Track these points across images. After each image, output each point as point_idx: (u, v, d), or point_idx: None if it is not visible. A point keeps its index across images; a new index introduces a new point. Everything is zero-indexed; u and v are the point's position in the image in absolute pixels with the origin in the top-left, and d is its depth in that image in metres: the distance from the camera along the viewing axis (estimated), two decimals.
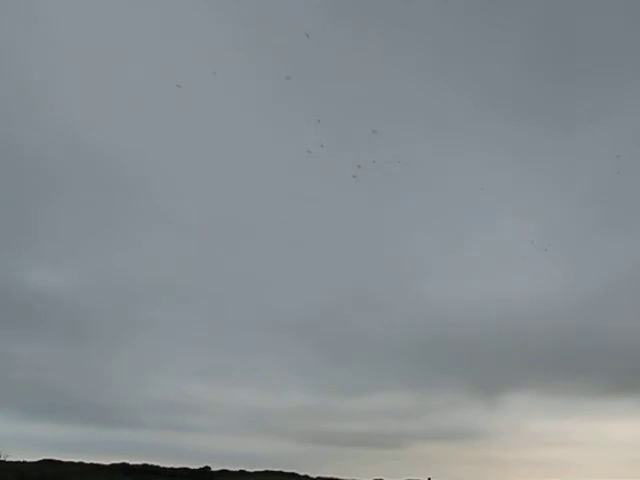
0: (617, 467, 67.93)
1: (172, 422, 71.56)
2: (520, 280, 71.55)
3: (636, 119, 63.78)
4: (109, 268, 72.24)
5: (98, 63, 57.95)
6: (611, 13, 59.39)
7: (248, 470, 60.23)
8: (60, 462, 53.52)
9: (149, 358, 71.66)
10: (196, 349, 70.47)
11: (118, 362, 70.45)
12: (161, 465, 56.68)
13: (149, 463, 56.30)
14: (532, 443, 73.82)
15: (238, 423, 74.15)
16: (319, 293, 74.19)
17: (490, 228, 73.51)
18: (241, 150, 64.72)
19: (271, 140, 63.09)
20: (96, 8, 54.81)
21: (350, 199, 64.68)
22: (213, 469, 58.69)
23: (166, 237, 71.28)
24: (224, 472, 58.92)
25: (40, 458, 53.65)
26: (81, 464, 54.06)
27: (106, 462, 55.18)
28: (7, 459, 50.36)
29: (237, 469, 60.10)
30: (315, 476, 62.40)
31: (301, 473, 61.98)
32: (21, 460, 52.41)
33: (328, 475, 62.82)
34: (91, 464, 54.36)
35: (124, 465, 54.71)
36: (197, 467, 58.23)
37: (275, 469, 61.37)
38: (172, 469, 56.64)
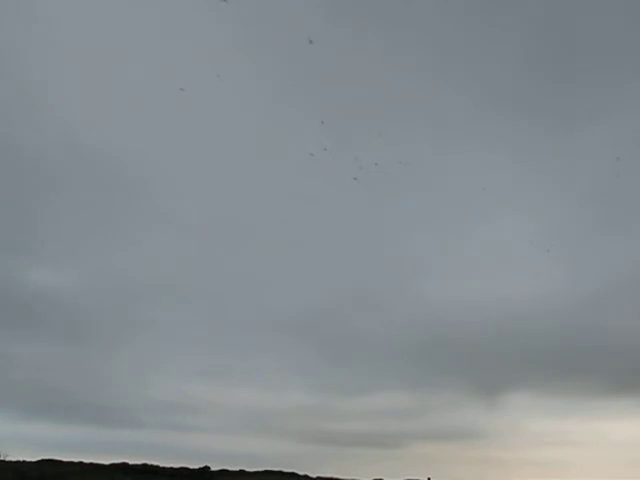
0: (617, 467, 68.13)
1: (172, 422, 71.76)
2: (520, 280, 71.71)
3: (636, 119, 63.80)
4: (109, 268, 72.38)
5: (98, 63, 58.01)
6: (611, 13, 59.37)
7: (248, 470, 60.41)
8: (60, 462, 53.65)
9: (149, 358, 71.83)
10: (196, 349, 70.67)
11: (118, 362, 70.62)
12: (161, 465, 56.91)
13: (149, 463, 56.50)
14: (532, 443, 74.06)
15: (238, 423, 74.32)
16: (319, 293, 74.32)
17: (490, 228, 73.58)
18: (241, 151, 64.83)
19: (272, 141, 63.13)
20: (96, 8, 54.84)
21: (350, 199, 64.75)
22: (213, 469, 58.81)
23: (166, 237, 71.39)
24: (224, 472, 59.04)
25: (40, 458, 53.93)
26: (81, 464, 54.19)
27: (106, 462, 55.49)
28: (7, 459, 50.57)
29: (237, 469, 60.27)
30: (315, 476, 62.54)
31: (301, 473, 62.17)
32: (21, 460, 52.62)
33: (328, 475, 62.99)
34: (91, 464, 54.49)
35: (124, 465, 54.82)
36: (197, 467, 58.42)
37: (275, 469, 61.53)
38: (172, 469, 56.76)
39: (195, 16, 56.05)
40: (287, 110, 60.96)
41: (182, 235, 71.76)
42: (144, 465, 55.47)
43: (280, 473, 61.13)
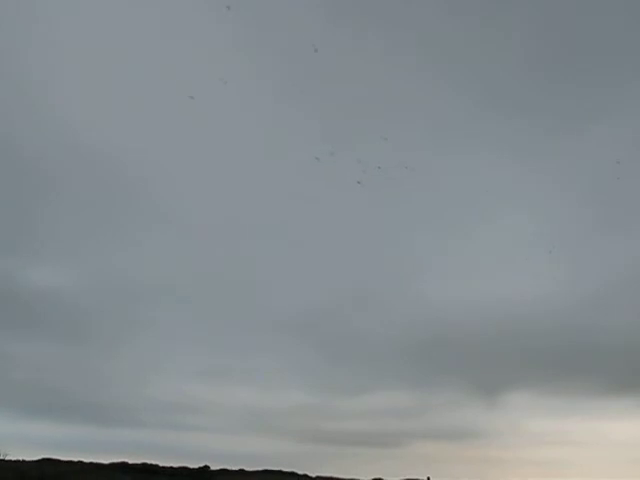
0: (617, 466, 68.17)
1: (172, 421, 71.79)
2: (520, 280, 71.70)
3: (636, 119, 63.77)
4: (109, 268, 72.45)
5: (98, 63, 58.04)
6: (611, 13, 59.33)
7: (247, 469, 60.52)
8: (60, 461, 53.76)
9: (149, 358, 71.88)
10: (196, 349, 70.69)
11: (118, 362, 70.64)
12: (160, 464, 57.03)
13: (149, 462, 56.62)
14: (532, 442, 74.14)
15: (238, 423, 74.37)
16: (319, 293, 74.38)
17: (490, 228, 73.59)
18: (242, 151, 64.84)
19: (272, 141, 63.21)
20: (96, 8, 54.88)
21: (350, 200, 64.78)
22: (212, 468, 58.95)
23: (166, 237, 71.45)
24: (223, 471, 59.15)
25: (40, 457, 54.04)
26: (81, 463, 54.32)
27: (106, 461, 55.62)
28: (7, 458, 50.61)
29: (236, 468, 60.38)
30: (314, 475, 62.65)
31: (300, 472, 62.29)
32: (21, 459, 52.75)
33: (327, 474, 63.10)
34: (91, 463, 54.62)
35: (124, 464, 54.94)
36: (196, 466, 58.56)
37: (274, 468, 61.66)
38: (171, 468, 56.88)
39: (195, 16, 56.08)
40: (287, 110, 61.05)
41: (182, 235, 71.89)
42: (144, 464, 55.58)
43: (280, 473, 61.24)
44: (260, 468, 61.06)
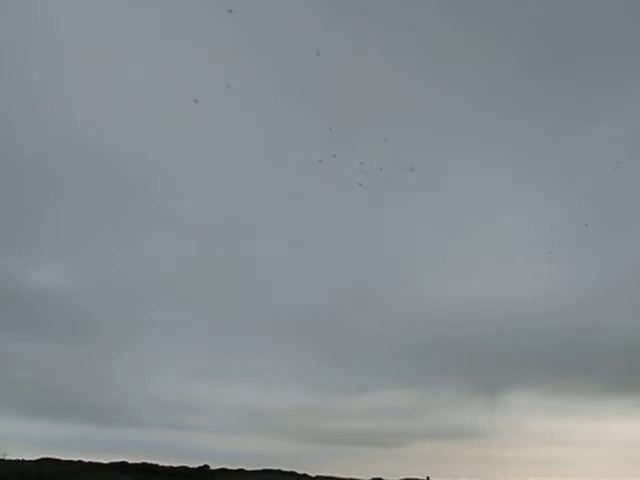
0: (617, 466, 68.21)
1: (171, 421, 71.89)
2: (520, 280, 71.76)
3: (636, 119, 63.79)
4: (109, 268, 72.59)
5: (98, 63, 58.10)
6: (611, 13, 59.32)
7: (247, 469, 60.57)
8: (59, 461, 53.85)
9: (149, 358, 71.99)
10: (196, 349, 70.80)
11: (118, 362, 70.77)
12: (160, 464, 57.08)
13: (148, 462, 56.68)
14: (532, 442, 74.24)
15: (237, 422, 74.46)
16: (319, 293, 74.49)
17: (490, 228, 73.69)
18: (242, 152, 64.89)
19: (272, 141, 63.25)
20: (96, 8, 54.92)
21: (350, 200, 64.79)
22: (212, 468, 58.98)
23: (166, 237, 71.57)
24: (223, 471, 59.19)
25: (40, 457, 54.14)
26: (80, 462, 54.40)
27: (105, 461, 55.66)
28: (7, 458, 50.67)
29: (236, 468, 60.43)
30: (314, 475, 62.68)
31: (300, 472, 62.34)
32: (21, 459, 52.82)
33: (327, 474, 63.12)
34: (90, 463, 54.69)
35: (123, 464, 54.99)
36: (196, 466, 58.62)
37: (274, 468, 61.70)
38: (171, 468, 56.92)
39: (196, 17, 56.06)
40: (287, 110, 61.06)
41: (182, 235, 72.01)
42: (143, 464, 55.62)
43: (279, 472, 61.29)
44: (260, 468, 61.14)
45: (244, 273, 73.10)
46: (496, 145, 67.32)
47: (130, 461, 55.33)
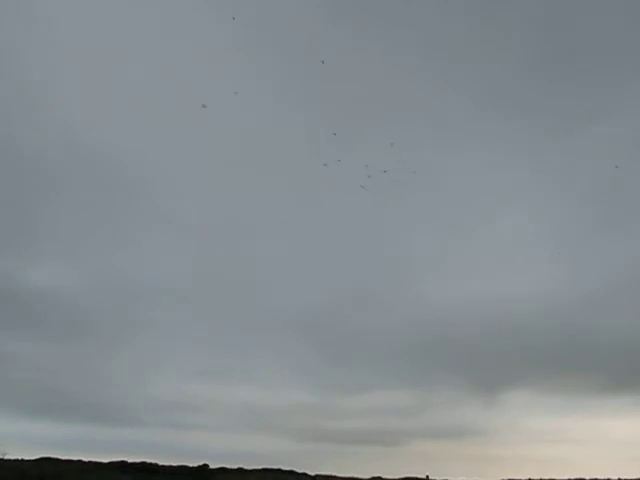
0: (616, 464, 68.07)
1: (171, 421, 71.98)
2: (520, 279, 71.84)
3: (636, 119, 63.87)
4: (109, 268, 72.63)
5: (98, 63, 58.20)
6: (611, 13, 59.36)
7: (246, 468, 60.60)
8: (59, 460, 53.86)
9: (149, 358, 72.01)
10: (196, 349, 70.84)
11: (118, 362, 70.79)
12: (160, 463, 57.11)
13: (148, 461, 56.72)
14: (531, 440, 74.05)
15: (237, 421, 74.58)
16: (319, 293, 74.53)
17: (490, 228, 73.74)
18: (242, 152, 64.99)
19: (272, 141, 63.32)
20: (96, 8, 54.99)
21: (350, 201, 64.86)
22: (212, 467, 59.02)
23: (166, 237, 71.62)
24: (222, 470, 59.25)
25: (40, 456, 54.12)
26: (80, 462, 54.41)
27: (105, 460, 55.71)
28: (7, 457, 50.74)
29: (235, 467, 60.47)
30: (313, 474, 62.69)
31: (299, 471, 62.37)
32: (20, 458, 52.85)
33: (327, 473, 63.14)
34: (90, 462, 54.71)
35: (123, 463, 55.05)
36: (196, 465, 58.65)
37: (274, 467, 61.74)
38: (171, 467, 56.95)
39: (195, 16, 56.17)
40: (287, 111, 61.14)
41: (182, 235, 72.09)
42: (143, 463, 55.68)
43: (279, 471, 61.31)
44: (259, 467, 61.17)
45: (244, 273, 73.21)
46: (496, 145, 67.47)
47: (130, 460, 55.45)
